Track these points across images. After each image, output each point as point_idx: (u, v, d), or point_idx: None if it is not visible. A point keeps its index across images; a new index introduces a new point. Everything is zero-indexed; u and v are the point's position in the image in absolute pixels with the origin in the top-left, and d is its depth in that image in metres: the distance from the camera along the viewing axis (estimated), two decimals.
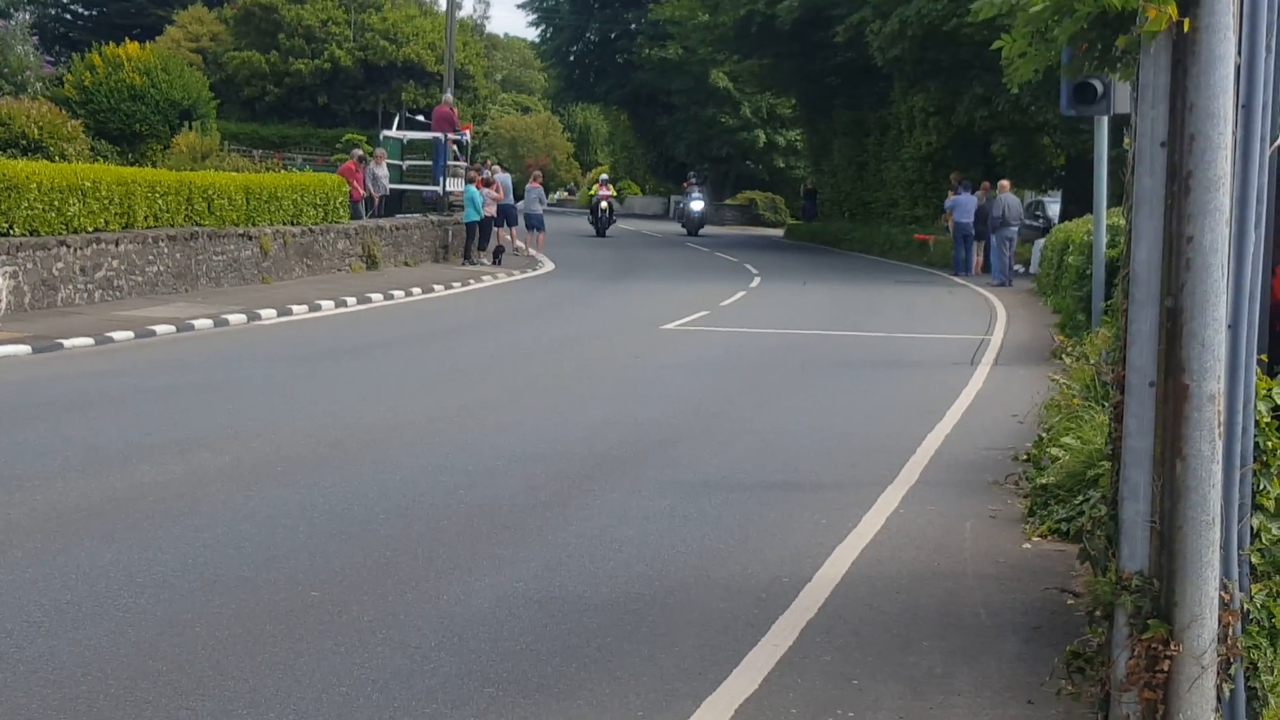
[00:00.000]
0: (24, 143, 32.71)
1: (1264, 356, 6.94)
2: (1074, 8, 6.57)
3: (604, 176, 65.48)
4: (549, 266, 43.93)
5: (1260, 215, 6.51)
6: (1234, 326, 6.25)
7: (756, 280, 40.20)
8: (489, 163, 54.71)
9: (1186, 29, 6.17)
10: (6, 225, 24.13)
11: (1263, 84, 6.40)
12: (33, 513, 11.40)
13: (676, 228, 71.64)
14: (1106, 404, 12.99)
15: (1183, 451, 6.17)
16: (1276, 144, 6.79)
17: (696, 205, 68.12)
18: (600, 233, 61.26)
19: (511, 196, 46.57)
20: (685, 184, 73.23)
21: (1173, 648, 6.26)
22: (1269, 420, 6.96)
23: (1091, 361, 15.05)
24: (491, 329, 26.88)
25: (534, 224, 48.64)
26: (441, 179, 45.03)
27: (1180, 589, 6.26)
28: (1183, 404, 6.15)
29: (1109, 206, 22.52)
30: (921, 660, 8.65)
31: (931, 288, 39.25)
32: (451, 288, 35.15)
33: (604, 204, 62.01)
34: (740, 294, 35.41)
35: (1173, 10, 6.12)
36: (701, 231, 67.75)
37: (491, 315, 29.66)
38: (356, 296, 30.30)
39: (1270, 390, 7.02)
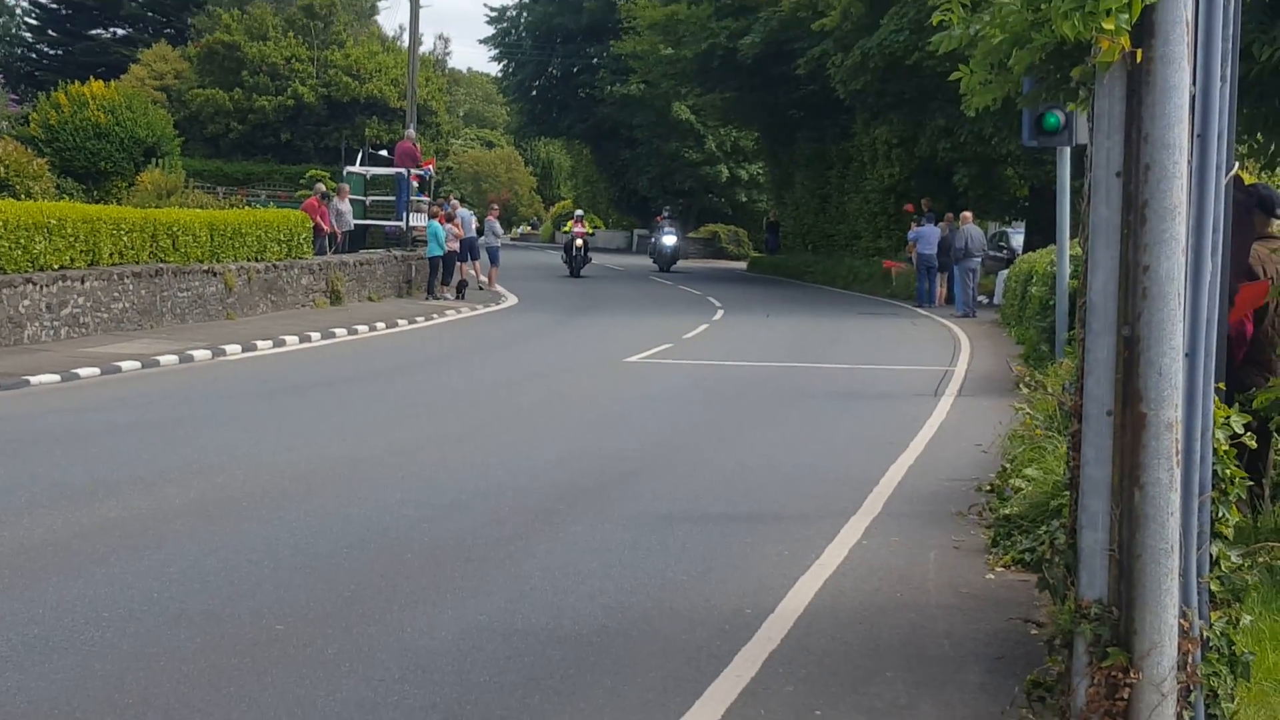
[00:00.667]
0: None
1: (1221, 385, 6.98)
2: (1030, 38, 6.62)
3: (578, 212, 61.15)
4: (512, 300, 43.93)
5: (1216, 244, 6.56)
6: (1191, 355, 6.29)
7: (720, 313, 40.26)
8: (450, 198, 54.69)
9: (1140, 60, 6.22)
10: None
11: (1217, 114, 6.46)
12: None
13: (640, 261, 71.59)
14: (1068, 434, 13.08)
15: (1140, 480, 6.21)
16: (1231, 173, 6.84)
17: (669, 240, 66.18)
18: (574, 272, 57.02)
19: (473, 231, 46.50)
20: (658, 218, 71.30)
21: (1132, 675, 6.29)
22: (1227, 448, 7.00)
23: (1052, 392, 15.09)
24: (455, 363, 26.88)
25: (490, 258, 48.44)
26: (404, 214, 45.05)
27: (1139, 617, 6.29)
28: (1140, 432, 6.19)
29: (1072, 237, 22.64)
30: (885, 690, 8.65)
31: (895, 319, 39.34)
32: (415, 322, 35.13)
33: (579, 241, 57.77)
34: (703, 327, 35.46)
35: (1125, 41, 6.17)
36: (674, 267, 65.68)
37: (455, 350, 29.64)
38: (320, 331, 30.28)
39: (1228, 418, 7.05)
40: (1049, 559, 6.92)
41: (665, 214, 71.28)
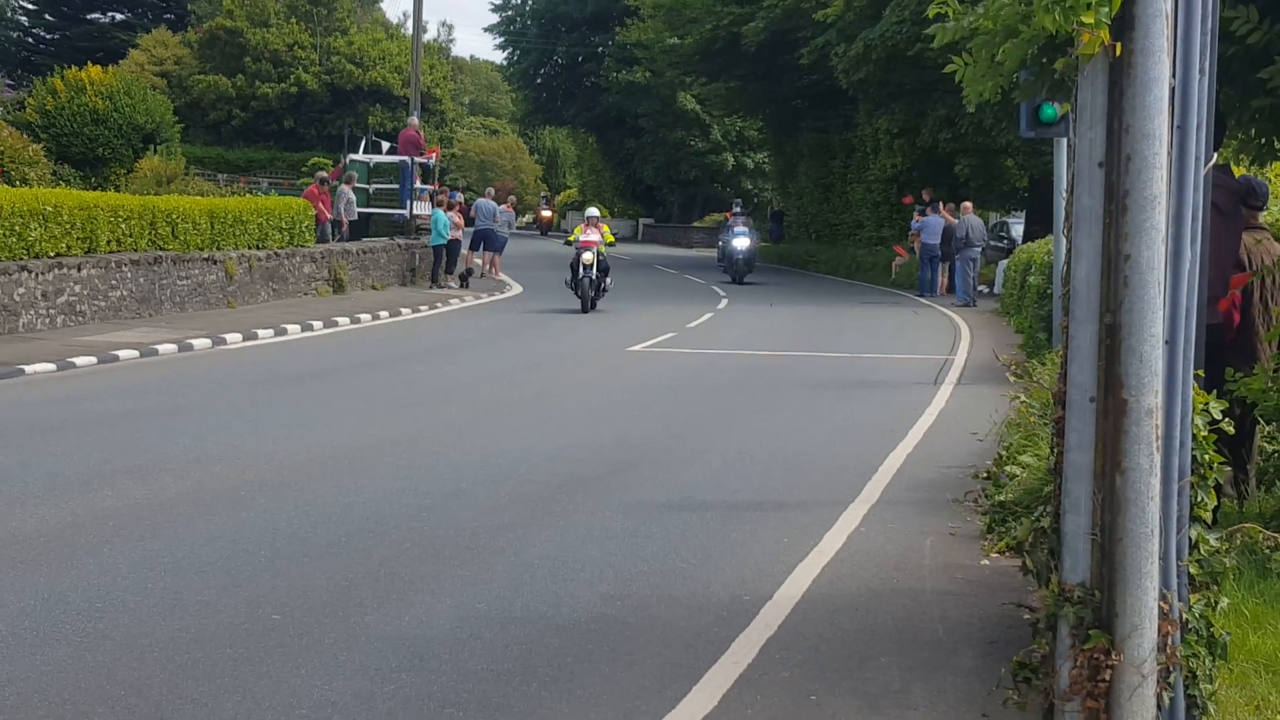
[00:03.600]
0: None
1: (1200, 371, 7.04)
2: (1020, 31, 6.67)
3: (591, 212, 39.37)
4: (516, 290, 43.94)
5: (1195, 233, 6.62)
6: (1171, 342, 6.35)
7: (724, 302, 40.33)
8: (447, 190, 54.42)
9: (1120, 53, 6.28)
10: None
11: (1197, 105, 6.51)
12: None
13: (649, 251, 70.93)
14: None
15: (1122, 465, 6.26)
16: (1210, 164, 6.90)
17: (741, 242, 50.12)
18: (587, 306, 36.31)
19: (492, 224, 46.39)
20: (728, 215, 56.87)
21: (1114, 657, 6.35)
22: (1205, 434, 7.07)
23: (1045, 381, 15.15)
24: (458, 352, 26.91)
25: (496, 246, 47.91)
26: (408, 202, 45.07)
27: (1120, 600, 6.35)
28: (1122, 418, 6.24)
29: None
30: (879, 675, 8.72)
31: (897, 308, 39.41)
32: (418, 311, 35.17)
33: (587, 256, 36.48)
34: (708, 315, 35.53)
35: (1105, 34, 6.23)
36: (750, 275, 50.49)
37: (458, 339, 29.66)
38: (323, 320, 30.31)
39: (1207, 405, 7.12)
40: (1033, 543, 6.98)
41: (736, 209, 56.41)
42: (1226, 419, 7.24)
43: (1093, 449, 6.34)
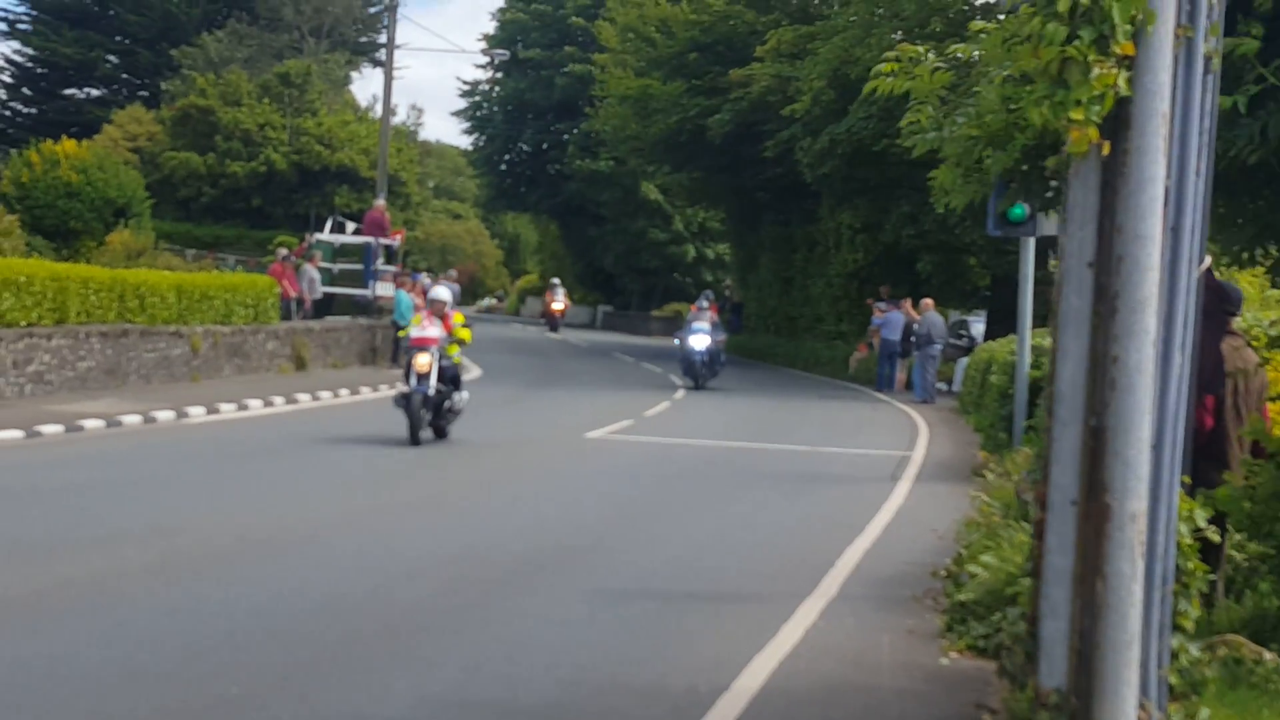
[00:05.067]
0: None
1: (1187, 478, 7.01)
2: (1012, 137, 6.69)
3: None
4: (475, 373, 43.88)
5: (1185, 338, 6.61)
6: (1158, 447, 6.34)
7: (681, 392, 40.26)
8: (412, 271, 54.32)
9: (1107, 151, 6.28)
10: None
11: (1192, 207, 6.52)
12: None
13: (606, 339, 70.84)
14: (1026, 522, 13.10)
15: (1103, 570, 6.24)
16: (1204, 266, 6.91)
17: (699, 341, 41.73)
18: (417, 435, 24.23)
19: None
20: (694, 307, 45.22)
21: None
22: (1190, 542, 7.04)
23: (1014, 479, 15.15)
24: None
25: None
26: (372, 283, 45.09)
27: (1098, 707, 6.32)
28: (1105, 523, 6.23)
29: (1033, 327, 22.76)
30: None
31: (855, 403, 39.43)
32: (378, 390, 35.05)
33: (422, 359, 24.94)
34: (665, 404, 35.45)
35: (1094, 133, 6.24)
36: (714, 380, 42.86)
37: None
38: (284, 396, 30.27)
39: (1192, 512, 7.09)
40: (1009, 646, 6.93)
41: (701, 302, 44.88)
42: (1212, 527, 7.23)
43: (1073, 552, 6.31)
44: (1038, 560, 6.64)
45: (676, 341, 45.74)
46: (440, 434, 24.76)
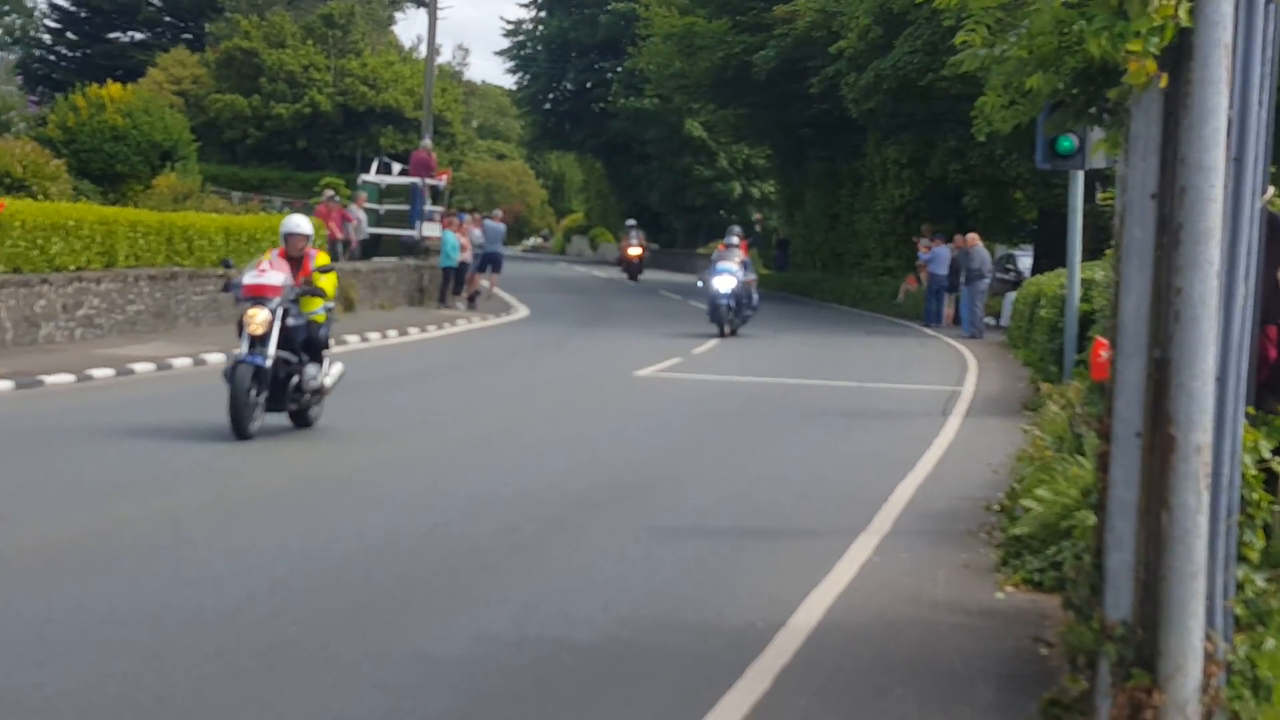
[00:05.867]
0: (8, 181, 32.61)
1: (1251, 409, 6.97)
2: (1062, 61, 6.62)
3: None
4: (523, 312, 43.91)
5: (1249, 268, 6.55)
6: (1222, 378, 6.28)
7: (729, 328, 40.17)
8: (459, 210, 54.23)
9: (1165, 84, 6.22)
10: None
11: (1255, 137, 6.45)
12: (16, 546, 11.42)
13: (647, 275, 70.39)
14: (1079, 456, 13.07)
15: (1169, 502, 6.20)
16: (1267, 196, 6.84)
17: (724, 283, 36.94)
18: (243, 428, 16.91)
19: (499, 247, 46.52)
20: (721, 245, 40.48)
21: (1156, 697, 6.27)
22: (1255, 473, 6.99)
23: (1065, 413, 15.08)
24: (466, 373, 26.87)
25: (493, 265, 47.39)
26: (418, 224, 45.07)
27: (1164, 639, 6.28)
28: (1169, 455, 6.18)
29: (1082, 260, 22.62)
30: (896, 707, 8.63)
31: (903, 339, 39.31)
32: (426, 331, 35.14)
33: (259, 316, 17.26)
34: (713, 342, 35.34)
35: (1151, 65, 6.17)
36: (744, 326, 38.27)
37: (466, 359, 29.62)
38: (332, 338, 30.21)
39: (1256, 443, 7.05)
40: (1073, 579, 6.90)
41: (730, 239, 39.78)
42: (1277, 458, 7.18)
43: (1138, 485, 6.27)
44: (1102, 493, 6.60)
45: (699, 284, 41.78)
46: (300, 421, 18.11)
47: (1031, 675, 9.15)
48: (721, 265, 36.98)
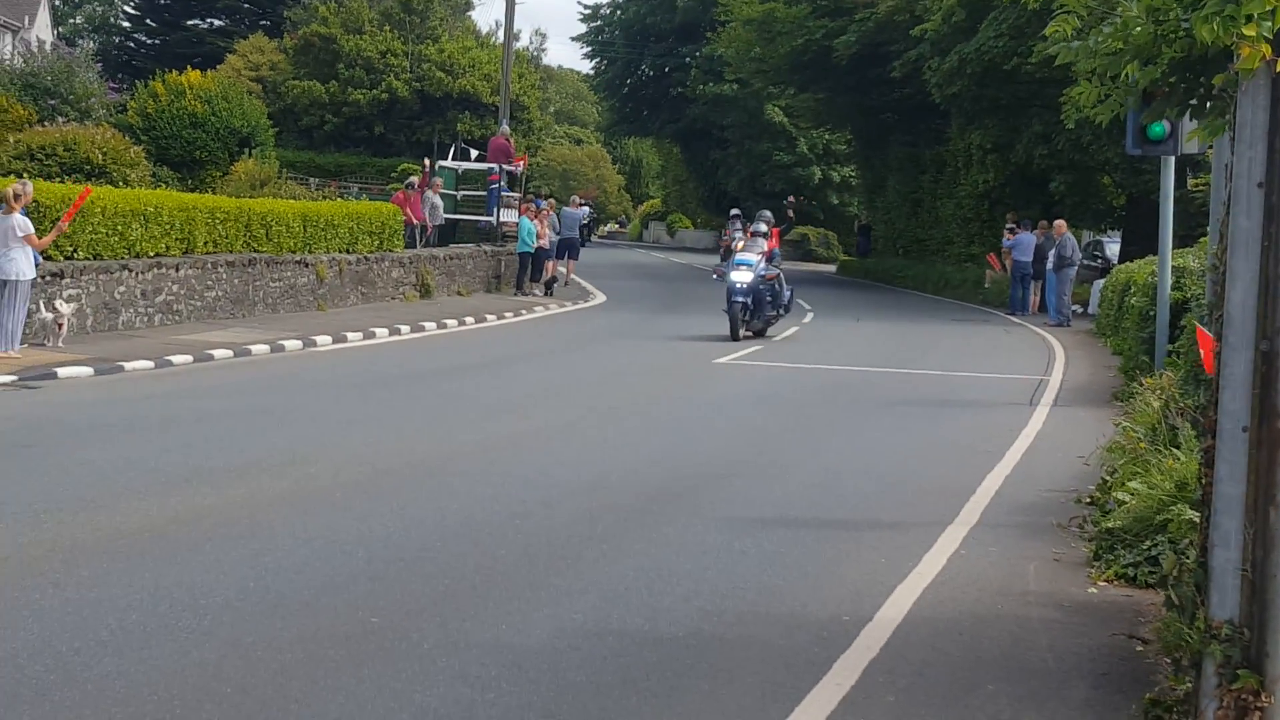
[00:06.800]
0: (88, 168, 32.82)
1: None
2: (1160, 52, 6.44)
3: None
4: (600, 298, 43.88)
5: None
6: None
7: (810, 316, 40.02)
8: (538, 195, 54.13)
9: (1279, 69, 6.04)
10: (71, 249, 24.37)
11: None
12: (97, 533, 11.44)
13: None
14: (1174, 448, 12.85)
15: (1277, 498, 6.02)
16: None
17: (741, 276, 31.59)
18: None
19: (576, 232, 46.66)
20: (748, 233, 34.14)
21: (1264, 699, 6.11)
22: None
23: (1159, 404, 14.85)
24: (544, 360, 26.81)
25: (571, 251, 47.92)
26: (495, 209, 45.10)
27: (1272, 639, 6.12)
28: (1278, 450, 6.00)
29: (1174, 248, 22.31)
30: (987, 704, 8.49)
31: (987, 326, 39.04)
32: (504, 318, 35.16)
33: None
34: (794, 329, 35.22)
35: (1266, 49, 6.00)
36: (770, 327, 33.48)
37: (544, 346, 29.56)
38: (410, 325, 30.35)
39: None
40: (1177, 577, 6.72)
41: (759, 225, 33.22)
42: None
43: (1245, 480, 6.09)
44: (1206, 489, 6.42)
45: (715, 276, 37.88)
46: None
47: (1127, 674, 9.01)
48: (740, 257, 32.25)
